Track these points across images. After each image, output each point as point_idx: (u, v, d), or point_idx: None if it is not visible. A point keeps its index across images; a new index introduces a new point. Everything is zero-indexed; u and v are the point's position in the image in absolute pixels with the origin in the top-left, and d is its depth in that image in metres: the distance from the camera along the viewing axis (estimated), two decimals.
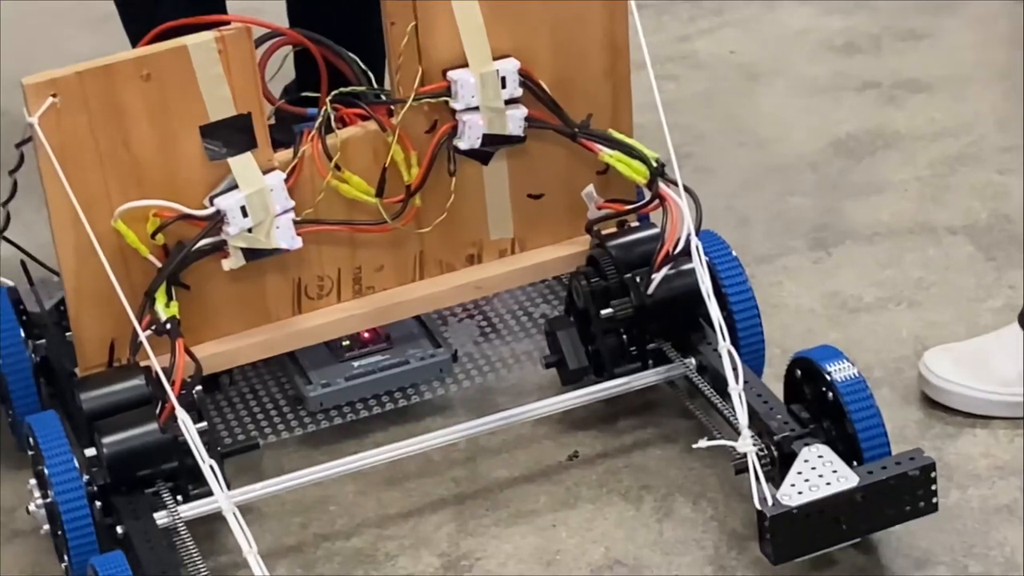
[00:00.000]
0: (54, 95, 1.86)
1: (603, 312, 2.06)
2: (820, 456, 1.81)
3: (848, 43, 2.96)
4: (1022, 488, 1.98)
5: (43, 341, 2.19)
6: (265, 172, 1.96)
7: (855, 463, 1.82)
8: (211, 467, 1.75)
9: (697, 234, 2.00)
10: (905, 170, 2.60)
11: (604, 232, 2.13)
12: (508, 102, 2.03)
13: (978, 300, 2.31)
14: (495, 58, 2.02)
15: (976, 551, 1.87)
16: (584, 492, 2.04)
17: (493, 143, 2.05)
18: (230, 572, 1.94)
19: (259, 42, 2.06)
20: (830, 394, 1.87)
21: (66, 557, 1.88)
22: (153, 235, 1.93)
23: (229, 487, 1.81)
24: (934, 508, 1.81)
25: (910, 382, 2.17)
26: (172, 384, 1.84)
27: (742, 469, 1.81)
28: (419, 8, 2.00)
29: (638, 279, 2.05)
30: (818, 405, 1.92)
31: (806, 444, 1.84)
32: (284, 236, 1.99)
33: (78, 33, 3.11)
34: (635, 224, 2.14)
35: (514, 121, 2.05)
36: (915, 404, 2.14)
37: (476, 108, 2.02)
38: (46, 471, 1.87)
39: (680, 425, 2.13)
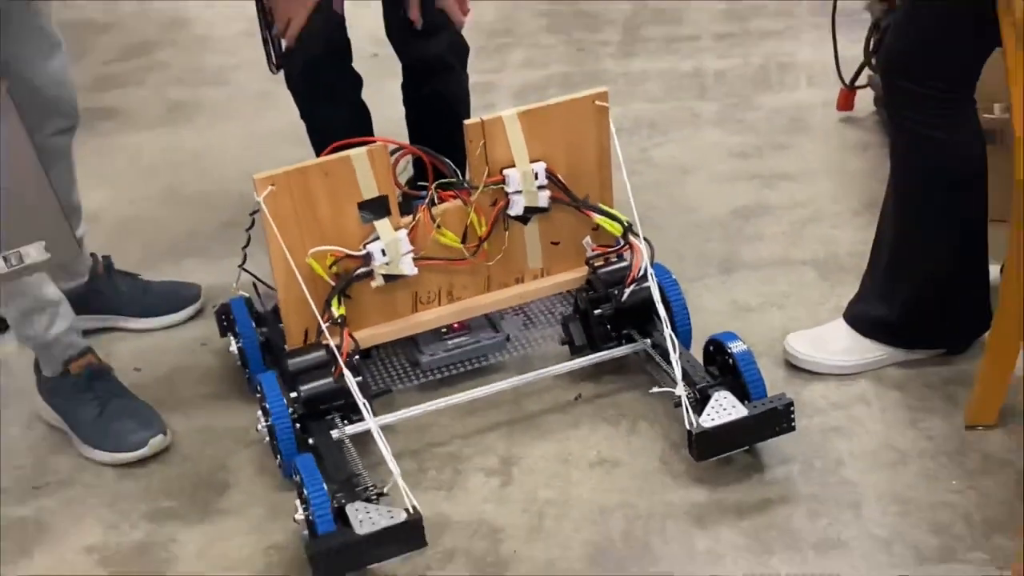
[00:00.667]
0: (272, 184, 2.05)
1: (595, 312, 2.25)
2: (724, 398, 2.01)
3: (742, 151, 3.05)
4: (845, 416, 2.14)
5: (265, 329, 2.32)
6: (396, 229, 2.15)
7: (745, 402, 2.01)
8: (364, 404, 1.99)
9: (651, 266, 2.21)
10: (776, 227, 2.73)
11: (596, 264, 2.29)
12: (539, 187, 2.20)
13: (819, 304, 2.46)
14: (531, 161, 2.19)
15: (818, 454, 2.06)
16: (584, 419, 2.22)
17: (530, 212, 2.23)
18: (375, 466, 2.02)
19: (392, 153, 2.18)
20: (730, 360, 2.07)
21: (279, 457, 2.09)
22: (330, 267, 2.12)
23: (374, 415, 2.02)
24: (792, 429, 2.02)
25: (779, 355, 2.31)
26: (341, 354, 2.06)
27: (678, 405, 2.01)
28: (486, 132, 2.15)
29: (616, 292, 2.23)
30: (723, 367, 2.12)
31: (715, 390, 2.03)
32: (407, 267, 2.15)
33: (285, 145, 3.05)
34: (614, 260, 2.29)
35: (543, 199, 2.21)
36: (782, 368, 2.29)
37: (520, 192, 2.19)
38: (267, 405, 2.06)
39: (641, 379, 2.27)
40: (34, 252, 1.57)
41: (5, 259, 1.56)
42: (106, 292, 2.61)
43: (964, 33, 1.87)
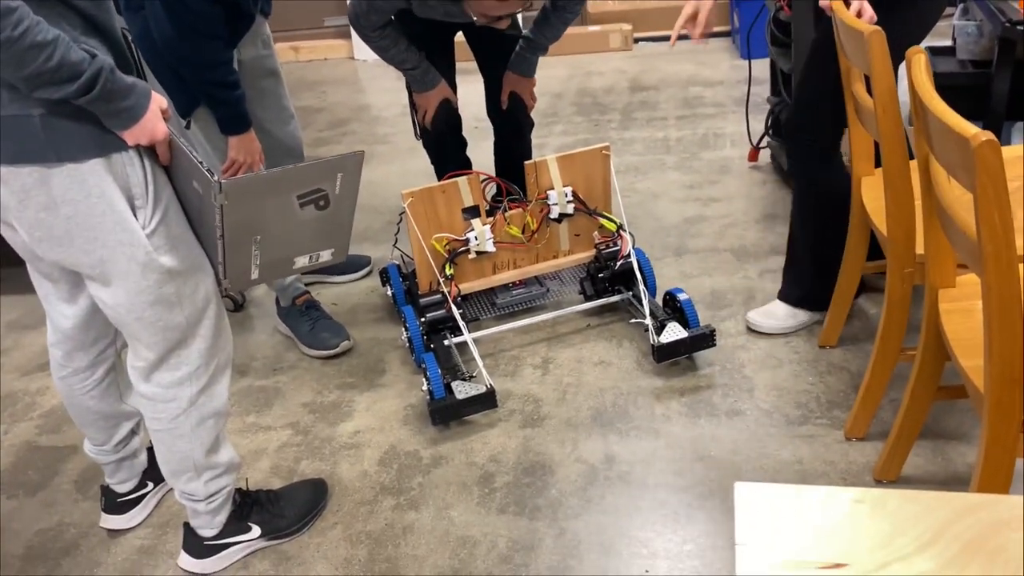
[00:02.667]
0: (412, 197, 2.06)
1: (599, 275, 2.23)
2: (674, 326, 2.01)
3: (690, 185, 2.93)
4: (746, 339, 2.11)
5: (407, 282, 2.28)
6: (483, 225, 2.14)
7: (687, 328, 2.01)
8: (463, 325, 2.06)
9: (633, 249, 2.21)
10: (709, 230, 2.64)
11: (601, 248, 2.25)
12: (568, 202, 2.18)
13: (733, 275, 2.38)
14: (564, 186, 2.17)
15: (729, 360, 2.04)
16: (591, 338, 2.20)
17: (562, 216, 2.20)
18: (468, 361, 2.07)
19: (482, 181, 2.15)
20: (678, 304, 2.06)
21: (413, 354, 2.10)
22: (445, 246, 2.13)
23: (469, 332, 2.05)
24: (714, 345, 2.01)
25: (709, 302, 2.26)
26: (450, 296, 2.09)
27: (647, 330, 2.02)
28: (537, 169, 2.14)
29: (612, 264, 2.21)
30: (674, 309, 2.10)
31: (669, 321, 2.03)
32: (489, 246, 2.15)
33: (421, 176, 2.99)
34: (611, 245, 2.23)
35: (570, 208, 2.19)
36: (709, 309, 2.23)
37: (556, 204, 2.17)
38: (408, 325, 2.08)
39: (625, 315, 2.26)
40: (325, 255, 1.45)
41: (310, 257, 1.43)
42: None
43: (832, 104, 1.80)
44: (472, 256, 2.16)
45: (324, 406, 2.07)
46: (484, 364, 1.97)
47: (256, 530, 1.66)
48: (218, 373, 1.50)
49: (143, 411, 1.52)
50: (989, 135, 0.99)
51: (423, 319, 2.10)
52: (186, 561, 1.65)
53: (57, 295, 1.49)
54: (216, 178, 1.23)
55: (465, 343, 2.04)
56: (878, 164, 1.74)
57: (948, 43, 2.62)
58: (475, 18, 1.93)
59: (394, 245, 2.52)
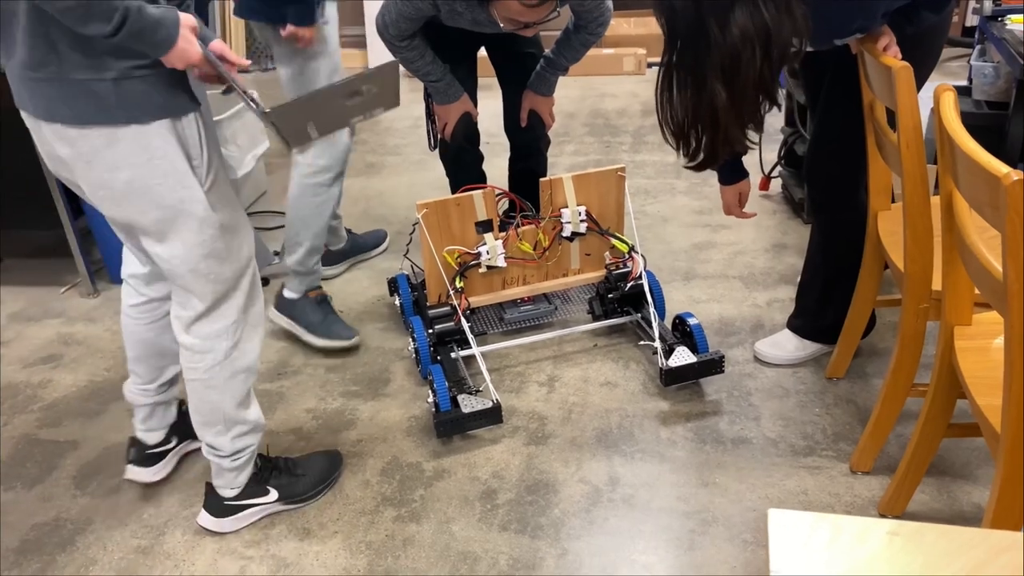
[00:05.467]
0: (426, 208, 2.05)
1: (608, 295, 2.22)
2: (683, 351, 1.99)
3: (700, 210, 2.93)
4: (754, 368, 2.09)
5: (416, 293, 2.29)
6: (495, 239, 2.14)
7: (695, 353, 2.00)
8: (471, 338, 2.03)
9: (644, 271, 2.19)
10: (719, 256, 2.64)
11: (611, 268, 2.25)
12: (581, 221, 2.18)
13: (742, 302, 2.38)
14: (577, 205, 2.18)
15: (736, 388, 2.03)
16: (598, 359, 2.19)
17: (574, 235, 2.20)
18: (475, 375, 2.04)
19: (496, 195, 2.14)
20: (687, 329, 2.05)
21: (420, 366, 2.09)
22: (456, 258, 2.12)
23: (477, 346, 2.02)
24: (722, 371, 2.00)
25: (718, 328, 2.26)
26: (459, 309, 2.08)
27: (655, 353, 2.02)
28: (552, 187, 2.15)
29: (622, 285, 2.21)
30: (683, 333, 2.09)
31: (677, 346, 2.01)
32: (500, 261, 2.15)
33: (430, 189, 3.14)
34: (622, 266, 2.23)
35: (582, 227, 2.19)
36: (718, 335, 2.23)
37: (569, 222, 2.18)
38: (415, 335, 2.08)
39: (633, 338, 2.25)
40: (378, 111, 1.46)
41: (363, 116, 1.46)
42: (359, 240, 2.77)
43: (855, 140, 1.78)
44: (483, 270, 2.15)
45: (327, 413, 2.05)
46: (490, 379, 1.95)
47: (273, 494, 1.74)
48: (250, 330, 1.59)
49: (182, 360, 1.59)
50: (1020, 174, 0.99)
51: (431, 330, 2.08)
52: (206, 519, 1.72)
53: (138, 249, 1.61)
54: (261, 107, 1.31)
55: (471, 356, 2.03)
56: (894, 199, 1.76)
57: (964, 83, 2.63)
58: (502, 25, 1.93)
59: (404, 255, 2.53)
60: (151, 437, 1.81)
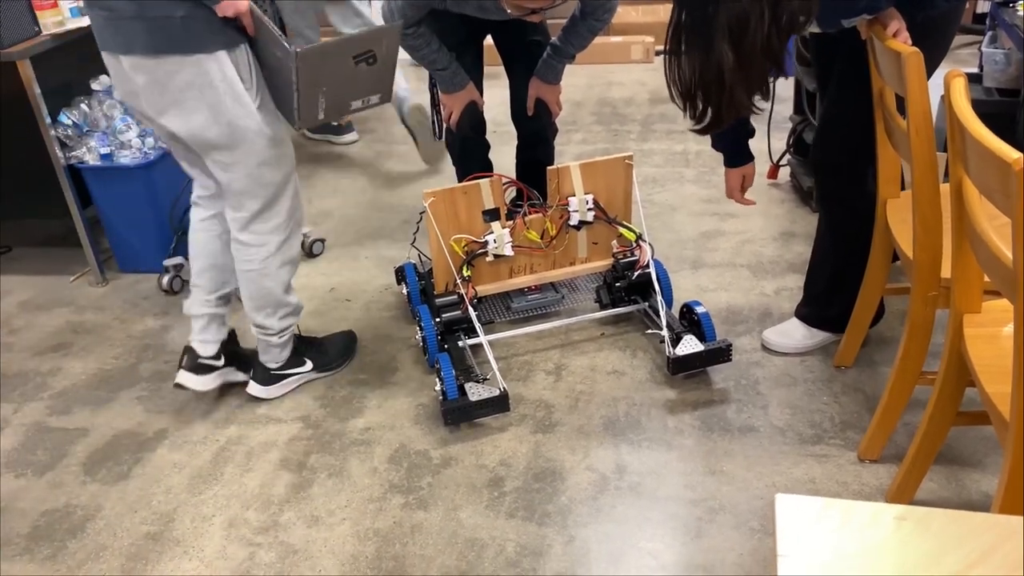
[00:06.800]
0: (433, 197, 2.05)
1: (616, 284, 2.23)
2: (690, 339, 1.99)
3: (708, 199, 2.92)
4: (761, 356, 2.08)
5: (423, 281, 2.29)
6: (502, 228, 2.14)
7: (703, 342, 1.99)
8: (478, 327, 2.03)
9: (652, 260, 2.20)
10: (727, 245, 2.63)
11: (618, 257, 2.25)
12: (588, 210, 2.18)
13: (749, 291, 2.37)
14: (584, 193, 2.18)
15: (744, 376, 2.03)
16: (605, 347, 2.19)
17: (581, 224, 2.20)
18: (482, 363, 2.06)
19: (504, 184, 2.15)
20: (695, 317, 2.05)
21: (427, 355, 2.10)
22: (463, 247, 2.13)
23: (484, 335, 2.02)
24: (730, 360, 2.00)
25: (725, 316, 2.25)
26: (466, 298, 2.09)
27: (662, 341, 2.04)
28: (559, 175, 2.14)
29: (629, 274, 2.21)
30: (690, 321, 2.09)
31: (685, 334, 2.01)
32: (507, 250, 2.15)
33: (438, 177, 3.16)
34: (629, 255, 2.24)
35: (589, 216, 2.19)
36: (725, 324, 2.22)
37: (576, 211, 2.17)
38: (422, 324, 2.07)
39: (641, 326, 2.24)
40: (374, 99, 1.79)
41: (363, 101, 1.77)
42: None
43: (864, 126, 1.76)
44: (490, 259, 2.15)
45: (335, 401, 2.05)
46: (497, 368, 1.95)
47: (309, 364, 2.10)
48: (296, 228, 1.93)
49: (238, 257, 1.91)
50: None
51: (438, 319, 2.08)
52: (255, 388, 2.06)
53: (201, 169, 1.90)
54: (293, 48, 1.60)
55: (478, 345, 2.02)
56: (904, 187, 1.75)
57: (975, 70, 2.60)
58: (508, 11, 1.92)
59: (411, 244, 2.53)
60: (205, 349, 2.01)
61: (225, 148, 1.74)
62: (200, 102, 1.67)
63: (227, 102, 1.68)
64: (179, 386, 1.99)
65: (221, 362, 2.03)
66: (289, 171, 1.85)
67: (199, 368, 1.99)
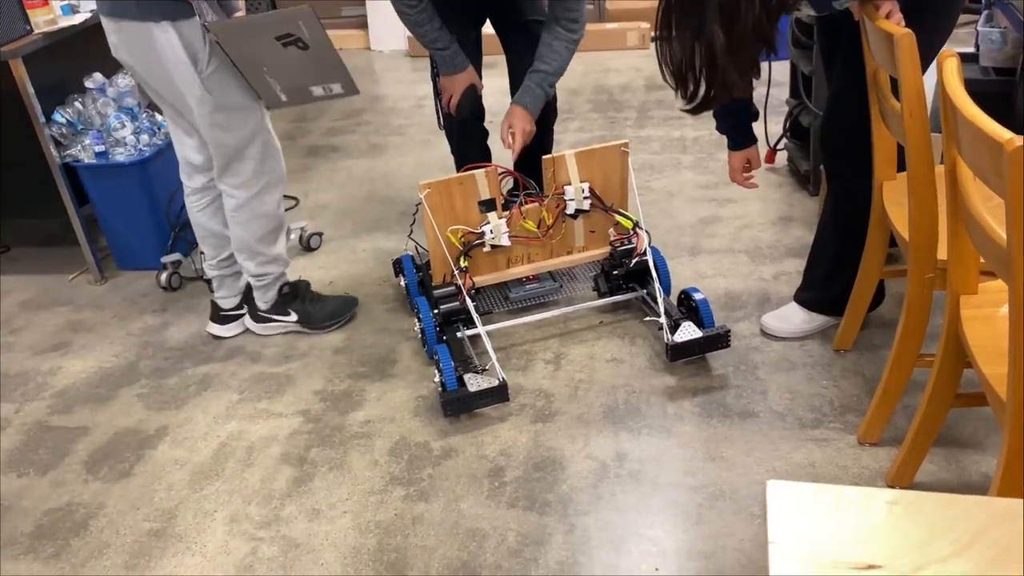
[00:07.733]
0: (429, 188, 2.05)
1: (613, 272, 2.23)
2: (688, 325, 1.99)
3: (706, 185, 2.91)
4: (760, 341, 2.10)
5: (420, 273, 2.29)
6: (499, 218, 2.14)
7: (701, 328, 1.99)
8: (476, 318, 2.03)
9: (649, 247, 2.19)
10: (725, 230, 2.63)
11: (616, 245, 2.24)
12: (584, 198, 2.17)
13: (748, 276, 2.37)
14: (580, 182, 2.17)
15: (743, 361, 2.03)
16: (604, 335, 2.19)
17: (578, 212, 2.20)
18: (480, 354, 2.03)
19: (500, 174, 2.13)
20: (693, 304, 2.05)
21: (426, 346, 2.10)
22: (460, 238, 2.12)
23: (482, 325, 2.02)
24: (728, 346, 2.00)
25: (723, 302, 2.25)
26: (464, 289, 2.08)
27: (661, 328, 2.01)
28: (555, 163, 2.14)
29: (627, 261, 2.20)
30: (689, 308, 2.09)
31: (683, 321, 2.01)
32: (504, 240, 2.15)
33: (435, 168, 3.11)
34: (626, 243, 2.22)
35: (586, 204, 2.19)
36: (724, 310, 2.22)
37: (573, 199, 2.17)
38: (421, 316, 2.08)
39: (639, 314, 2.24)
40: (336, 88, 1.89)
41: (323, 88, 1.90)
42: None
43: (860, 108, 1.76)
44: (487, 249, 2.15)
45: (335, 394, 2.06)
46: (496, 358, 1.94)
47: (293, 316, 2.28)
48: (268, 187, 2.09)
49: (223, 202, 2.14)
50: (1023, 140, 0.98)
51: (436, 311, 2.09)
52: (248, 322, 2.31)
53: (183, 130, 2.11)
54: (203, 21, 1.82)
55: (477, 336, 2.02)
56: (900, 169, 1.74)
57: (971, 50, 2.59)
58: None
59: (408, 236, 2.52)
60: (225, 303, 2.30)
61: (181, 108, 2.01)
62: (156, 64, 1.90)
63: (171, 67, 1.89)
64: (209, 334, 2.32)
65: (243, 310, 2.31)
66: (246, 137, 2.00)
67: (222, 319, 2.31)
